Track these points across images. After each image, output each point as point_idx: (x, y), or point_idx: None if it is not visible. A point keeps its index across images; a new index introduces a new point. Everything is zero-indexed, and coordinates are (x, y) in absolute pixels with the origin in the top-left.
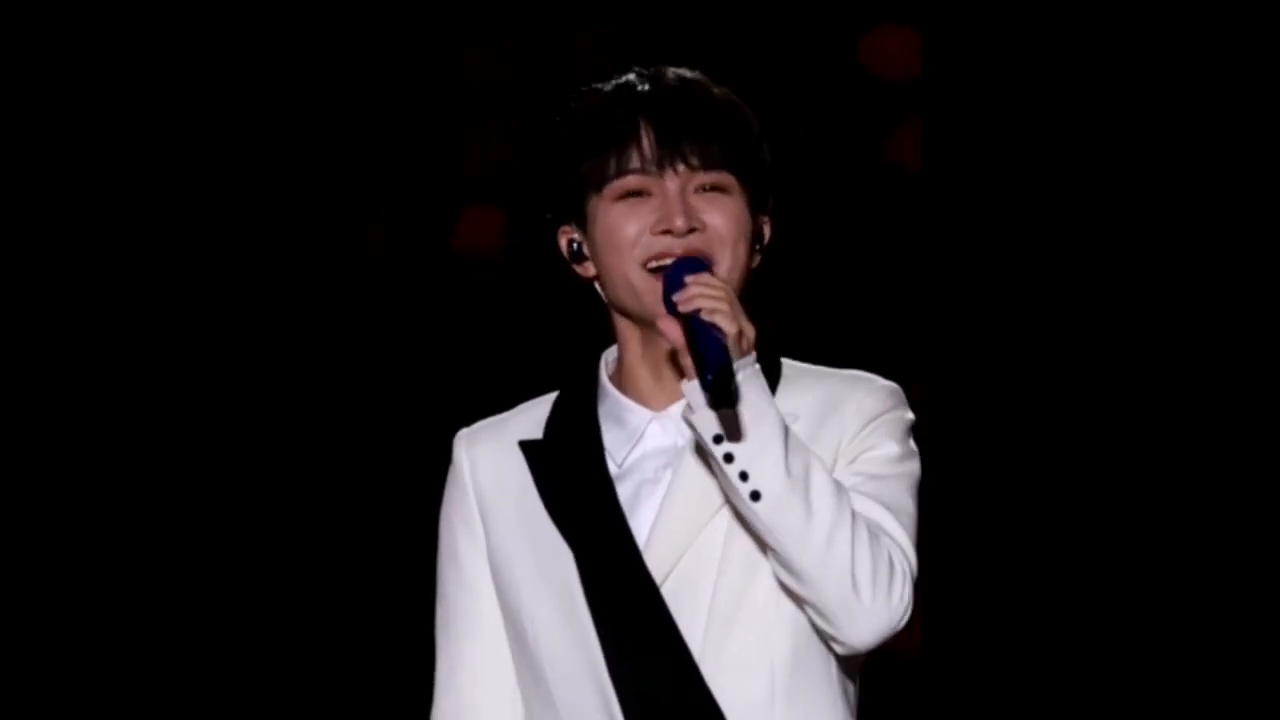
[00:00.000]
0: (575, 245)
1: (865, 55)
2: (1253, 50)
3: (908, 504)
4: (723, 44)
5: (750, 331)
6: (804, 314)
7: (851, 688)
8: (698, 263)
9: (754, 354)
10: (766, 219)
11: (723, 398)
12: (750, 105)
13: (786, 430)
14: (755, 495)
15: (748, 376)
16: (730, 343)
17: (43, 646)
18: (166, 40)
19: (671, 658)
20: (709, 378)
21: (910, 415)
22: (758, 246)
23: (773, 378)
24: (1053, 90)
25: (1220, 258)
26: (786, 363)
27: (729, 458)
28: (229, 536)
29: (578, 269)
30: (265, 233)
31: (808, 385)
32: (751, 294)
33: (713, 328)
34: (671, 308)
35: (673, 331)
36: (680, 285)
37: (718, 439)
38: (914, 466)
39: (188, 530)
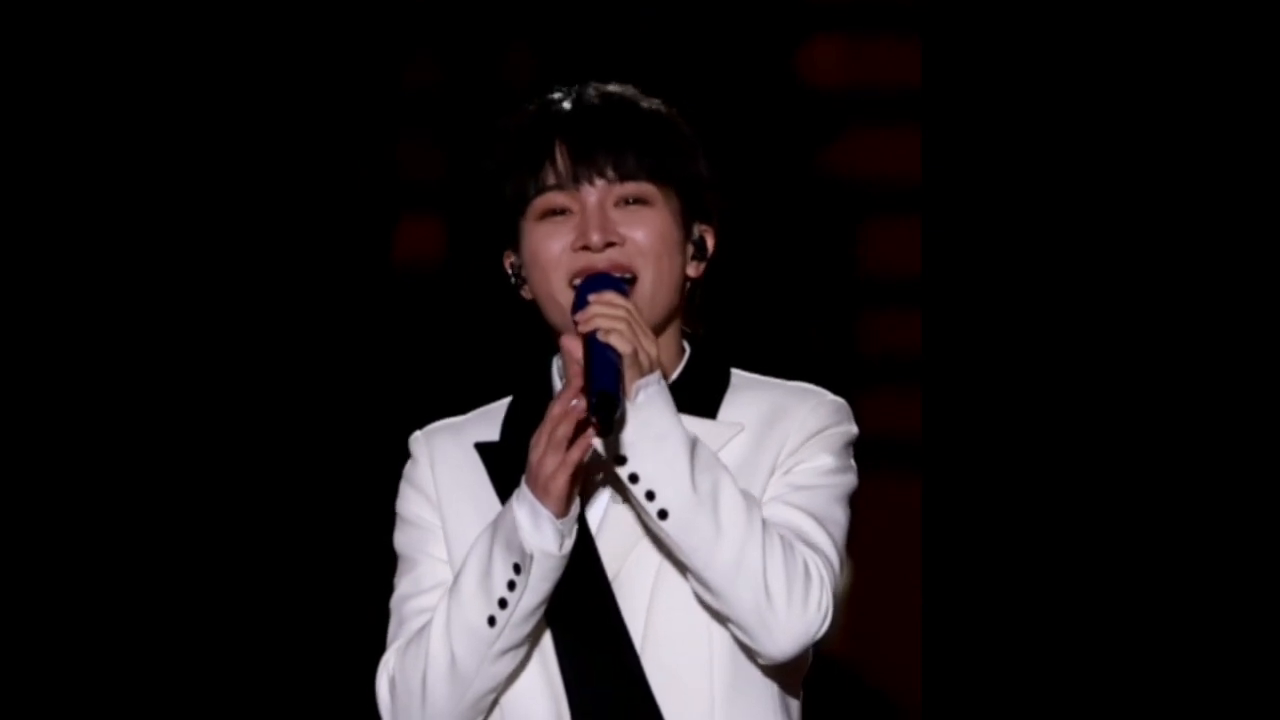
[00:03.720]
0: (515, 269)
1: (802, 66)
2: (1256, 54)
3: (835, 512)
4: (658, 51)
5: (651, 350)
6: (776, 324)
7: (794, 701)
8: (609, 279)
9: (657, 373)
10: (708, 228)
11: (607, 422)
12: (686, 116)
13: (694, 447)
14: (662, 514)
15: (650, 396)
16: (626, 362)
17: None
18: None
19: (618, 650)
20: (593, 402)
21: (853, 430)
22: (698, 255)
23: (720, 388)
24: (1051, 95)
25: (1224, 264)
26: (736, 373)
27: (634, 478)
28: (169, 543)
29: (522, 293)
30: (209, 245)
31: (755, 397)
32: (709, 304)
33: (608, 348)
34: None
35: (575, 350)
36: (585, 304)
37: (620, 460)
38: (847, 479)
39: (133, 536)
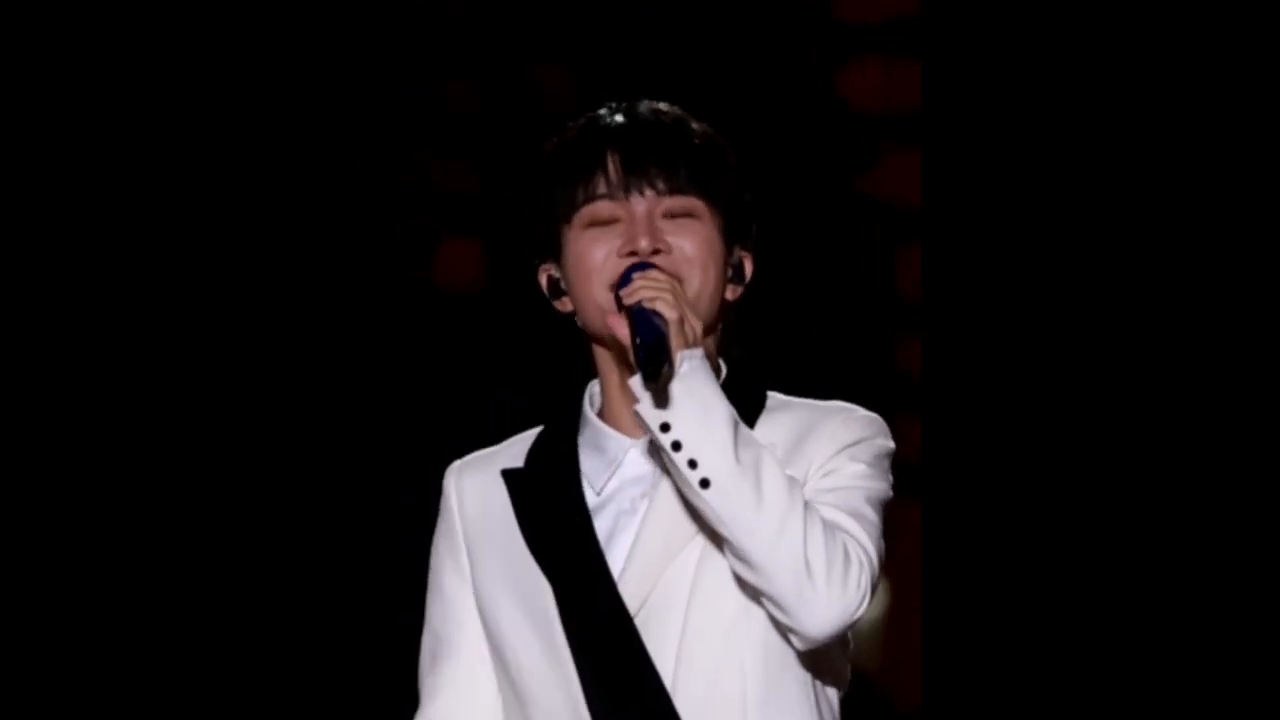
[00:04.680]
0: (553, 281)
1: (844, 89)
2: (1260, 62)
3: (868, 512)
4: (696, 73)
5: (696, 324)
6: (795, 346)
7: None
8: (654, 266)
9: (700, 349)
10: (746, 254)
11: (655, 373)
12: (729, 139)
13: (736, 421)
14: (705, 482)
15: (694, 367)
16: (672, 329)
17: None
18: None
19: (646, 691)
20: (642, 355)
21: (889, 444)
22: (736, 279)
23: (756, 409)
24: (1050, 118)
25: (1222, 274)
26: (772, 395)
27: (676, 445)
28: (196, 570)
29: (556, 305)
30: (249, 268)
31: (788, 417)
32: (739, 326)
33: (654, 314)
34: (621, 306)
35: (620, 328)
36: (629, 283)
37: (665, 427)
38: (879, 486)
39: (149, 559)
